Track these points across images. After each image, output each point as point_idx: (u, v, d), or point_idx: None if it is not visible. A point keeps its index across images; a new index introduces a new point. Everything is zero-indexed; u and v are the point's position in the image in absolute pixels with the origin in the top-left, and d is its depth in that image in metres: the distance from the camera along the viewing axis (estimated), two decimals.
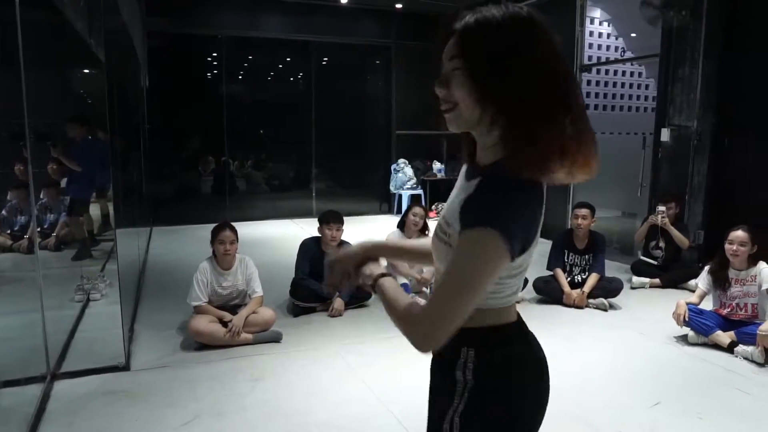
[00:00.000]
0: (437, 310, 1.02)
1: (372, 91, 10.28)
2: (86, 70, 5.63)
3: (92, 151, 5.46)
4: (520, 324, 1.21)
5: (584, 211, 4.77)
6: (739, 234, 3.84)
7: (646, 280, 5.34)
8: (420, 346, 1.05)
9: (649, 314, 4.58)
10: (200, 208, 8.81)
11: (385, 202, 10.08)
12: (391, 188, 9.61)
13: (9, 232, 4.94)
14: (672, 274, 5.34)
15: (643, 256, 5.62)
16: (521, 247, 1.04)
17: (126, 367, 3.41)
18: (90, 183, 5.46)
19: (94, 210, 6.03)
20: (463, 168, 1.21)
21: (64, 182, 5.70)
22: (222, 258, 3.89)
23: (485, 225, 0.99)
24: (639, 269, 5.48)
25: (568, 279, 4.82)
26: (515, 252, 1.02)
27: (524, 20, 1.05)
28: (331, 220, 4.40)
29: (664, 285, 5.30)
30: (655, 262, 5.48)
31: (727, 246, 3.88)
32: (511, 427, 1.14)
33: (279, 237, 7.68)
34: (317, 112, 9.44)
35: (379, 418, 2.88)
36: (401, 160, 9.62)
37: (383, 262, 1.39)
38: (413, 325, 1.06)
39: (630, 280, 5.33)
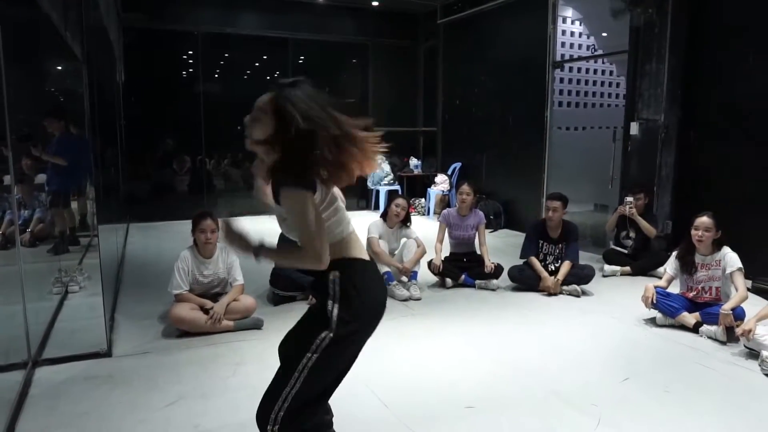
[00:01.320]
0: (307, 240, 1.70)
1: (349, 89, 10.35)
2: (62, 65, 5.60)
3: (72, 145, 5.44)
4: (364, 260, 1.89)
5: (556, 203, 4.91)
6: (704, 220, 4.01)
7: (617, 268, 5.51)
8: (318, 262, 1.71)
9: (620, 299, 4.75)
10: (177, 204, 8.77)
11: (363, 199, 10.16)
12: (369, 184, 9.69)
13: None
14: (642, 262, 5.52)
15: (614, 245, 5.80)
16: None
17: (108, 354, 3.43)
18: (71, 177, 5.43)
19: (75, 205, 6.00)
20: None
21: (39, 178, 5.66)
22: (203, 247, 3.93)
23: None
24: (610, 258, 5.65)
25: (543, 267, 4.96)
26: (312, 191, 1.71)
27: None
28: None
29: (635, 273, 5.48)
30: (625, 251, 5.67)
31: (693, 232, 4.04)
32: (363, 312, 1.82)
33: (257, 231, 7.69)
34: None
35: (361, 396, 2.96)
36: (378, 156, 9.68)
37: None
38: (305, 255, 1.70)
39: (602, 269, 5.49)
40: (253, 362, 3.39)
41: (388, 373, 3.23)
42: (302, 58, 9.73)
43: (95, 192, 4.31)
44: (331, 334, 1.75)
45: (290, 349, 1.87)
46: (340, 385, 3.04)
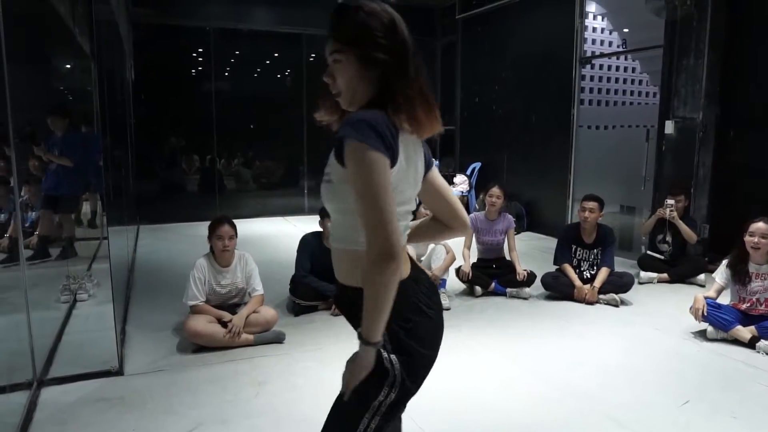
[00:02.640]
0: (377, 225, 1.17)
1: None
2: (71, 61, 5.37)
3: (77, 144, 5.20)
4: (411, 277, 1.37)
5: (592, 204, 4.61)
6: (760, 226, 3.71)
7: (654, 275, 5.21)
8: (389, 259, 1.16)
9: (661, 309, 4.45)
10: (188, 205, 8.54)
11: None
12: None
13: None
14: (680, 268, 5.21)
15: (650, 250, 5.50)
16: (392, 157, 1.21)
17: (119, 372, 3.18)
18: (77, 178, 5.19)
19: (85, 207, 5.77)
20: None
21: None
22: (220, 254, 3.66)
23: (348, 137, 1.19)
24: (646, 264, 5.35)
25: (577, 274, 4.67)
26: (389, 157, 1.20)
27: (375, 8, 1.31)
28: None
29: (672, 280, 5.18)
30: (661, 257, 5.36)
31: (747, 238, 3.74)
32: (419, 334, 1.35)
33: (271, 235, 7.45)
34: (308, 107, 9.21)
35: None
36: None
37: None
38: (371, 252, 1.17)
39: (637, 275, 5.19)
40: (277, 380, 3.13)
41: (421, 393, 2.95)
42: (315, 54, 9.46)
43: (105, 193, 4.05)
44: (395, 393, 1.33)
45: (345, 401, 1.35)
46: None
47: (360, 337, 1.25)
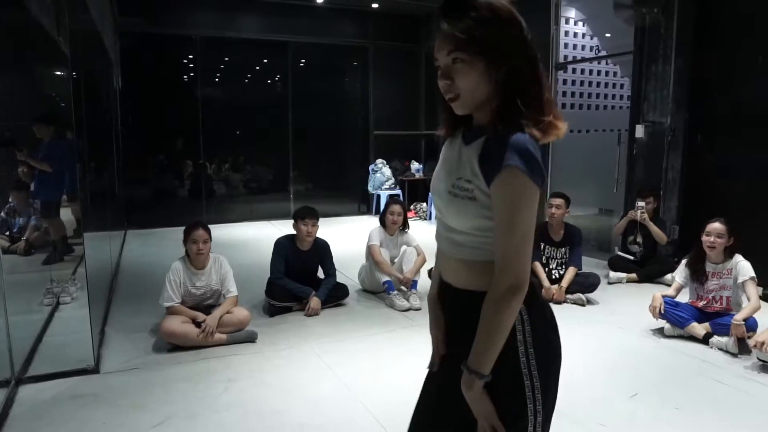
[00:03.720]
0: (512, 255, 1.17)
1: (350, 92, 10.24)
2: (54, 70, 5.49)
3: (60, 152, 5.33)
4: None
5: (558, 201, 4.78)
6: (716, 226, 3.86)
7: (623, 275, 5.36)
8: (518, 294, 1.17)
9: (626, 308, 4.60)
10: (177, 211, 8.66)
11: (364, 203, 10.04)
12: (369, 189, 9.56)
13: None
14: (648, 269, 5.37)
15: (621, 251, 5.65)
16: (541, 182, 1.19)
17: (95, 370, 3.31)
18: (60, 184, 5.32)
19: (66, 213, 5.88)
20: (449, 141, 1.37)
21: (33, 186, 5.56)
22: (195, 257, 3.81)
23: (515, 168, 1.14)
24: (616, 264, 5.50)
25: (545, 273, 4.82)
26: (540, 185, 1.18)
27: (505, 8, 1.22)
28: (306, 215, 4.34)
29: (641, 280, 5.33)
30: (632, 258, 5.52)
31: (704, 238, 3.90)
32: (556, 353, 1.38)
33: (256, 238, 7.58)
34: (294, 114, 9.37)
35: (358, 416, 2.83)
36: (379, 161, 9.58)
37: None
38: (503, 282, 1.17)
39: (607, 276, 5.35)
40: (246, 378, 3.27)
41: (385, 390, 3.10)
42: (303, 61, 9.62)
43: (83, 199, 4.18)
44: (540, 416, 1.28)
45: None
46: (333, 405, 2.91)
47: (469, 368, 1.20)
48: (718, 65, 5.51)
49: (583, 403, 2.97)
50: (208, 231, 3.84)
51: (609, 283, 5.27)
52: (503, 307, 1.16)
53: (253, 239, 7.50)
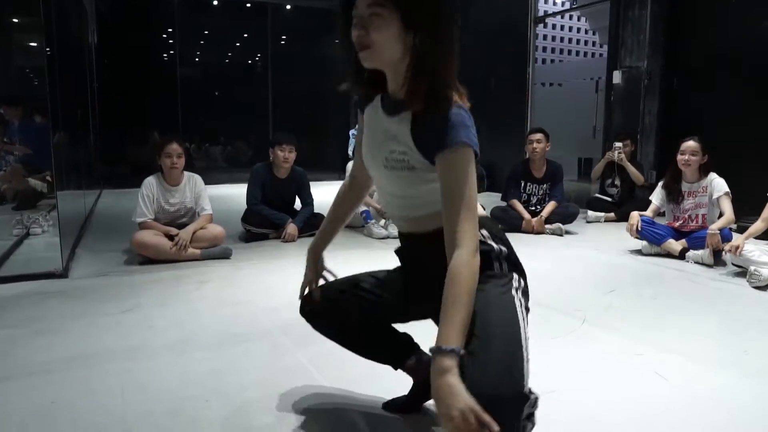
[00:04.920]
0: (470, 228, 1.18)
1: (331, 56, 10.16)
2: (22, 19, 5.35)
3: (34, 131, 5.19)
4: None
5: (538, 136, 4.78)
6: (690, 144, 3.87)
7: (601, 214, 5.38)
8: (477, 256, 1.18)
9: (605, 237, 4.62)
10: (153, 168, 8.51)
11: (344, 171, 9.96)
12: (350, 153, 9.49)
13: None
14: (626, 207, 5.34)
15: (599, 194, 5.67)
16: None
17: (63, 275, 3.22)
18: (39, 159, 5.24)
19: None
20: (369, 109, 1.39)
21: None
22: (169, 172, 3.72)
23: (464, 144, 1.18)
24: (594, 205, 5.52)
25: (526, 208, 4.82)
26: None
27: None
28: (283, 141, 4.28)
29: (619, 219, 5.32)
30: (610, 200, 5.54)
31: (679, 157, 3.91)
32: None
33: (237, 194, 7.47)
34: (274, 76, 9.28)
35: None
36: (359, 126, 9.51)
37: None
38: (474, 259, 1.18)
39: (586, 216, 5.36)
40: (217, 280, 3.21)
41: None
42: (282, 25, 9.53)
43: (56, 158, 4.02)
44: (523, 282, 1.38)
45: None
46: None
47: (442, 350, 1.09)
48: (693, 9, 5.55)
49: (563, 298, 2.95)
50: (183, 146, 3.76)
51: (587, 222, 5.29)
52: (472, 269, 1.16)
53: (234, 194, 7.39)
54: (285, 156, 4.27)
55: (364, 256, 3.85)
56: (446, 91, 1.22)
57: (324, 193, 8.20)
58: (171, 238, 3.60)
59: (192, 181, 3.84)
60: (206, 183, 3.93)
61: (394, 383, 1.71)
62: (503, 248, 1.35)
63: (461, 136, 1.18)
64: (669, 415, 1.71)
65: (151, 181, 3.72)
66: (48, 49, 3.72)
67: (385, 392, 1.74)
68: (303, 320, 1.61)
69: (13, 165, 5.46)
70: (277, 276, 3.33)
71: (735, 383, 1.95)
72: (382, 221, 4.61)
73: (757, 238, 3.51)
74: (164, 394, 1.81)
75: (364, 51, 1.21)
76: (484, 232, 1.34)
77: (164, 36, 8.87)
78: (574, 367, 2.08)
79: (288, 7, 9.31)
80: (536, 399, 1.14)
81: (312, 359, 2.07)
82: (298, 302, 1.62)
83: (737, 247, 3.34)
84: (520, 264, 1.39)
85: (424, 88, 1.20)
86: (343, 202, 1.66)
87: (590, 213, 5.39)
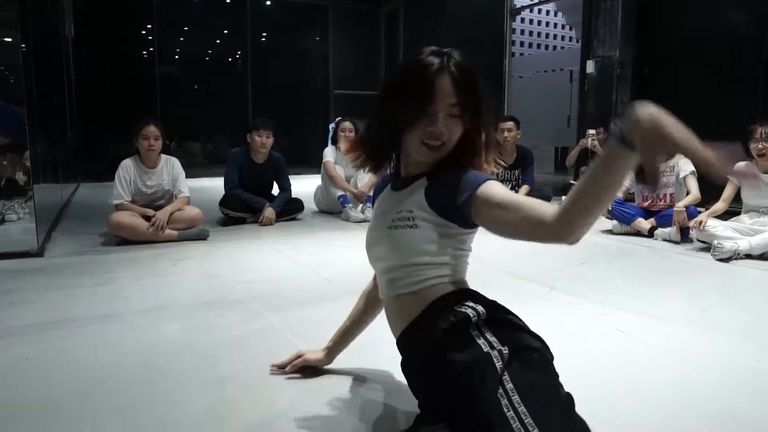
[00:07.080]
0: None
1: (309, 51, 10.19)
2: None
3: (10, 118, 5.12)
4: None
5: (509, 124, 4.86)
6: None
7: None
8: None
9: None
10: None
11: None
12: (329, 143, 9.54)
13: None
14: None
15: (574, 181, 5.78)
16: None
17: (39, 254, 3.22)
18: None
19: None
20: (379, 198, 1.42)
21: None
22: (146, 155, 3.74)
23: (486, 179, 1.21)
24: (569, 192, 5.62)
25: None
26: None
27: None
28: (261, 126, 4.31)
29: None
30: None
31: None
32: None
33: (216, 186, 7.47)
34: (254, 71, 9.29)
35: (305, 277, 2.83)
36: (339, 119, 9.55)
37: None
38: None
39: (560, 201, 5.45)
40: (195, 258, 3.24)
41: (333, 262, 3.10)
42: (261, 19, 9.54)
43: (32, 151, 3.99)
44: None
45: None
46: (282, 271, 2.88)
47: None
48: (663, 0, 5.69)
49: (532, 269, 3.03)
50: (160, 129, 3.77)
51: None
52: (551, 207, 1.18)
53: (212, 187, 7.39)
54: (262, 141, 4.30)
55: (340, 237, 3.90)
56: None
57: (303, 186, 8.26)
58: (148, 219, 3.61)
59: (169, 163, 3.86)
60: (185, 176, 3.94)
61: (369, 344, 1.72)
62: (480, 308, 1.24)
63: (479, 177, 1.21)
64: (630, 366, 1.78)
65: (128, 163, 3.73)
66: (24, 45, 3.71)
67: (358, 352, 1.76)
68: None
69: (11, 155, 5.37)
70: (254, 254, 3.36)
71: (693, 337, 2.03)
72: (360, 206, 4.66)
73: (718, 217, 3.62)
74: (137, 350, 1.84)
75: (438, 148, 1.23)
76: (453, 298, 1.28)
77: (143, 31, 8.83)
78: (538, 326, 2.15)
79: (268, 2, 9.32)
80: None
81: (287, 323, 2.11)
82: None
83: (701, 222, 3.45)
84: (505, 319, 1.27)
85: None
86: (366, 300, 1.62)
87: (565, 198, 5.48)
